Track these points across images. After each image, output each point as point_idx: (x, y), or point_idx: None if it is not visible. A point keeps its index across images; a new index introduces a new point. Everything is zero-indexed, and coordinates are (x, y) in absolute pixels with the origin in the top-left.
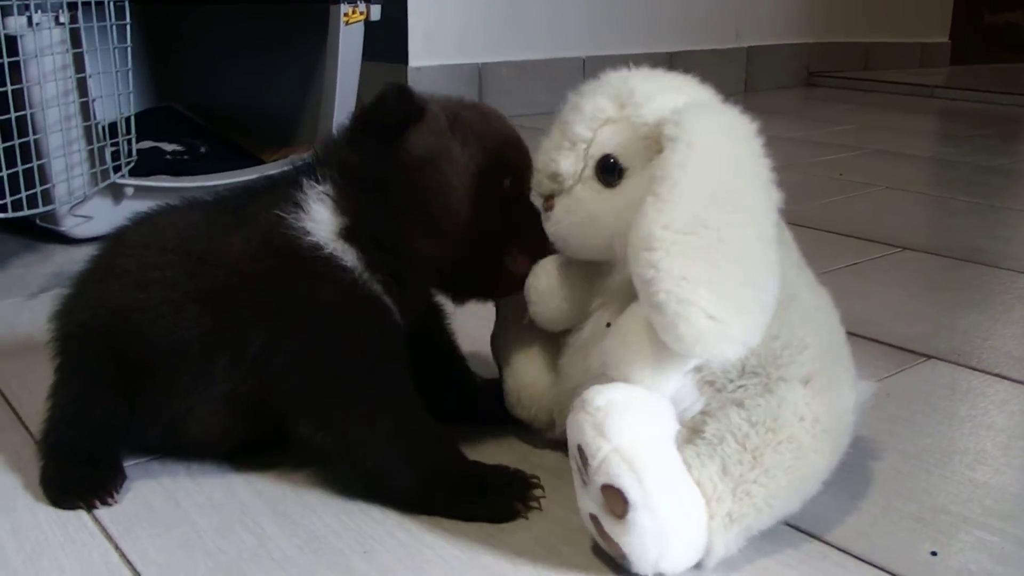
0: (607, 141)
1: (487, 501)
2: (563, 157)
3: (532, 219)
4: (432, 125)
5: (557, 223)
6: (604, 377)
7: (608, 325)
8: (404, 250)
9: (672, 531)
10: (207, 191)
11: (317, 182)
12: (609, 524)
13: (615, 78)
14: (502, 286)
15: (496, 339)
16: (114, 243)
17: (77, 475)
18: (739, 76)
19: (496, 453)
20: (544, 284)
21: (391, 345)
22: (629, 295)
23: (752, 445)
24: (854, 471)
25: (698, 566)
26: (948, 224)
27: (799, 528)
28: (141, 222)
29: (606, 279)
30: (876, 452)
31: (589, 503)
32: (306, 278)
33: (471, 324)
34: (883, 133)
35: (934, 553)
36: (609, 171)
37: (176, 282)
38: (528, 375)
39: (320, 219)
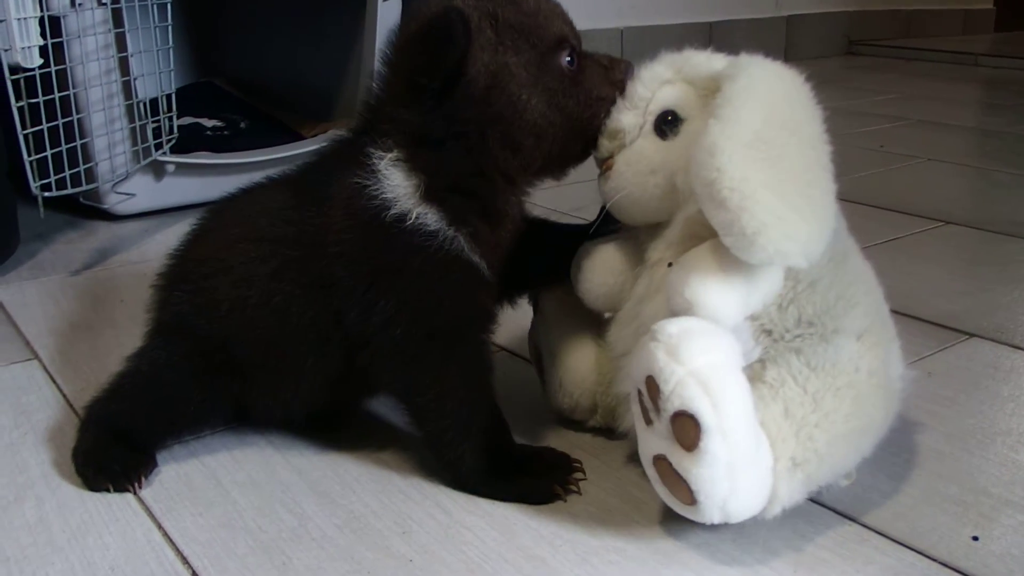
0: (666, 98)
1: (528, 482)
2: (624, 115)
3: (600, 73)
4: (480, 41)
5: (619, 175)
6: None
7: (670, 265)
8: (493, 180)
9: (743, 465)
10: (247, 167)
11: (384, 149)
12: (678, 458)
13: (670, 54)
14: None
15: (536, 329)
16: (204, 237)
17: (110, 454)
18: (779, 45)
19: (536, 431)
20: (591, 262)
21: (476, 308)
22: (690, 238)
23: (813, 388)
24: (894, 452)
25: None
26: (991, 197)
27: (836, 510)
28: (228, 209)
29: (663, 231)
30: (916, 433)
31: (655, 442)
32: (394, 250)
33: (520, 312)
34: (925, 103)
35: (975, 538)
36: (669, 123)
37: (281, 273)
38: (570, 362)
39: (397, 184)
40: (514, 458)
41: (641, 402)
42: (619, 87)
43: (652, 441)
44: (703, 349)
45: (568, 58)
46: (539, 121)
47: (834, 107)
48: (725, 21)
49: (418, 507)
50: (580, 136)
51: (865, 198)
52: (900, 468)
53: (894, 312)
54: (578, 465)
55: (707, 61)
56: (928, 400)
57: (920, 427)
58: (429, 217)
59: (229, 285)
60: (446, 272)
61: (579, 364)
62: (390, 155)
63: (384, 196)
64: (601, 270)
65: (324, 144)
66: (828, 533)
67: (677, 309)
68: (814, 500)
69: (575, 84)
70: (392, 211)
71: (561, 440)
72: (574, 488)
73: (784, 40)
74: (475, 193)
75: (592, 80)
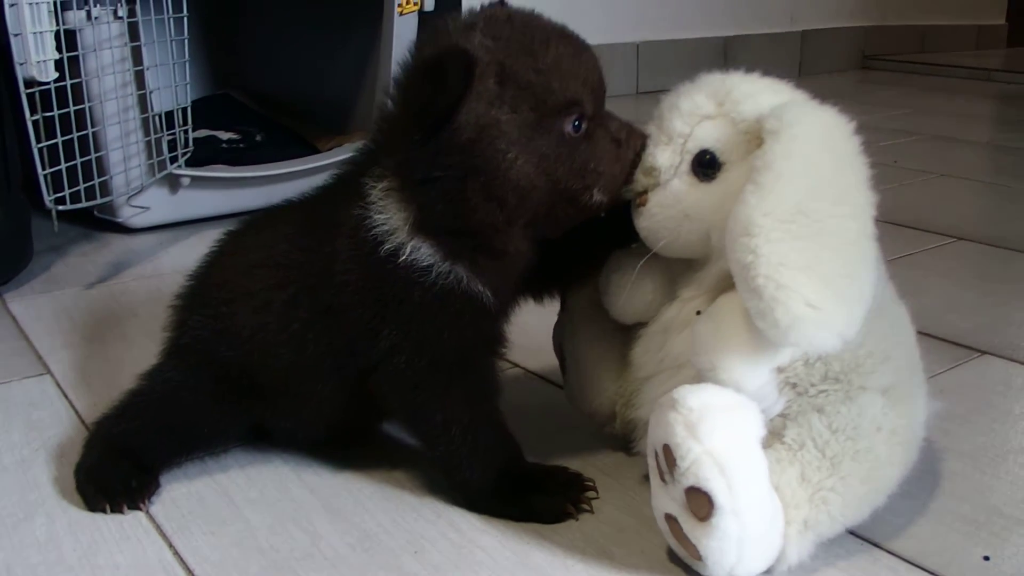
0: (705, 136)
1: (540, 501)
2: (660, 151)
3: (609, 148)
4: (479, 90)
5: (651, 217)
6: (682, 367)
7: (698, 313)
8: (480, 225)
9: (753, 538)
10: (262, 181)
11: (379, 178)
12: (689, 526)
13: (712, 78)
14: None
15: (559, 330)
16: (224, 261)
17: (114, 473)
18: (794, 60)
19: (550, 450)
20: (620, 276)
21: (479, 335)
22: (722, 288)
23: (832, 452)
24: None
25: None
26: (1004, 213)
27: (848, 529)
28: (247, 233)
29: (697, 272)
30: (928, 451)
31: (668, 503)
32: (395, 282)
33: (532, 317)
34: (939, 118)
35: (987, 558)
36: (707, 165)
37: (298, 300)
38: (593, 370)
39: (391, 217)
40: (525, 477)
41: (657, 463)
42: (626, 165)
43: (665, 500)
44: (723, 427)
45: (575, 123)
46: (522, 182)
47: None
48: (741, 36)
49: (431, 526)
50: (570, 204)
51: (878, 214)
52: (911, 487)
53: None
54: (591, 484)
55: (752, 95)
56: (939, 418)
57: (931, 445)
58: (423, 252)
59: (250, 311)
60: (445, 305)
61: (602, 373)
62: (381, 185)
63: (380, 229)
64: (631, 287)
65: (339, 166)
66: (839, 552)
67: (700, 367)
68: None
69: (574, 151)
70: (387, 245)
71: (574, 458)
72: (587, 507)
73: (799, 55)
74: (467, 233)
75: (597, 152)
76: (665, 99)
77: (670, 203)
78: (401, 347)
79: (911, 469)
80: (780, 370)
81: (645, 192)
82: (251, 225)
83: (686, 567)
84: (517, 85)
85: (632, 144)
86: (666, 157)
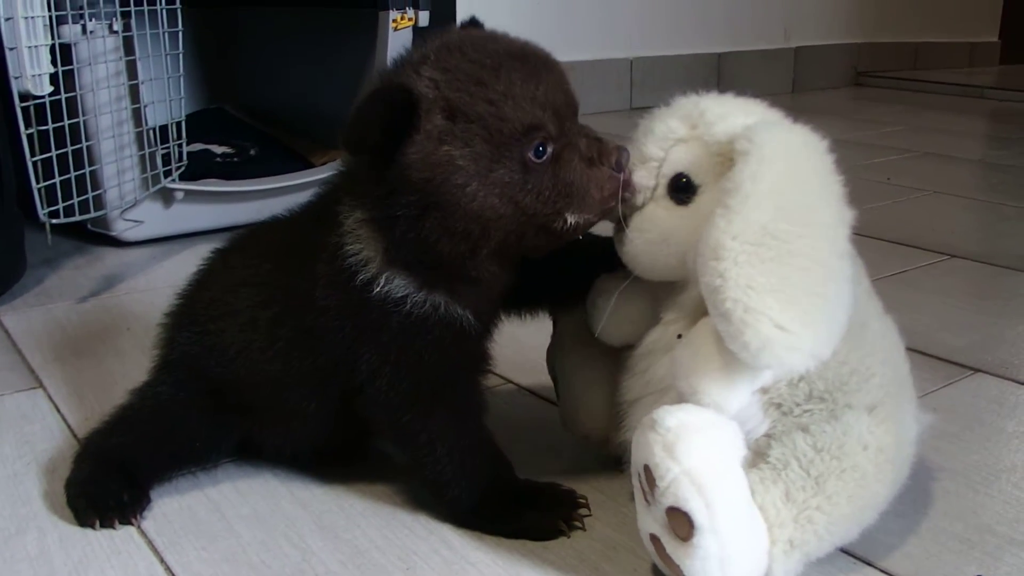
0: (679, 160)
1: (532, 518)
2: (635, 176)
3: (577, 168)
4: (427, 128)
5: (630, 242)
6: (666, 391)
7: (679, 337)
8: (450, 256)
9: (735, 557)
10: (256, 195)
11: (352, 206)
12: (672, 546)
13: (686, 101)
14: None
15: (552, 353)
16: (212, 279)
17: (104, 488)
18: (787, 76)
19: (542, 466)
20: (605, 299)
21: (460, 358)
22: (702, 311)
23: (816, 471)
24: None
25: None
26: (998, 230)
27: (840, 548)
28: (234, 251)
29: (678, 295)
30: (921, 469)
31: (651, 523)
32: (371, 310)
33: (528, 337)
34: (932, 135)
35: None
36: (682, 189)
37: (282, 319)
38: (585, 394)
39: (365, 246)
40: (516, 494)
41: (640, 484)
42: (602, 181)
43: (649, 521)
44: (700, 446)
45: (538, 148)
46: (485, 212)
47: (841, 139)
48: (734, 52)
49: (422, 542)
50: (542, 230)
51: (871, 231)
52: (904, 505)
53: None
54: (583, 501)
55: (723, 118)
56: (932, 436)
57: (924, 464)
58: (397, 283)
59: (237, 329)
60: (423, 331)
61: (593, 398)
62: (355, 216)
63: (354, 258)
64: (614, 310)
65: (320, 186)
66: (831, 570)
67: (681, 391)
68: None
69: (541, 177)
70: (362, 275)
71: (566, 475)
72: (578, 524)
73: (793, 71)
74: (439, 263)
75: (566, 175)
76: (640, 123)
77: (648, 227)
78: (381, 371)
79: (902, 486)
80: (764, 391)
81: (626, 218)
82: (237, 243)
83: None
84: (467, 119)
85: (607, 159)
86: (642, 181)
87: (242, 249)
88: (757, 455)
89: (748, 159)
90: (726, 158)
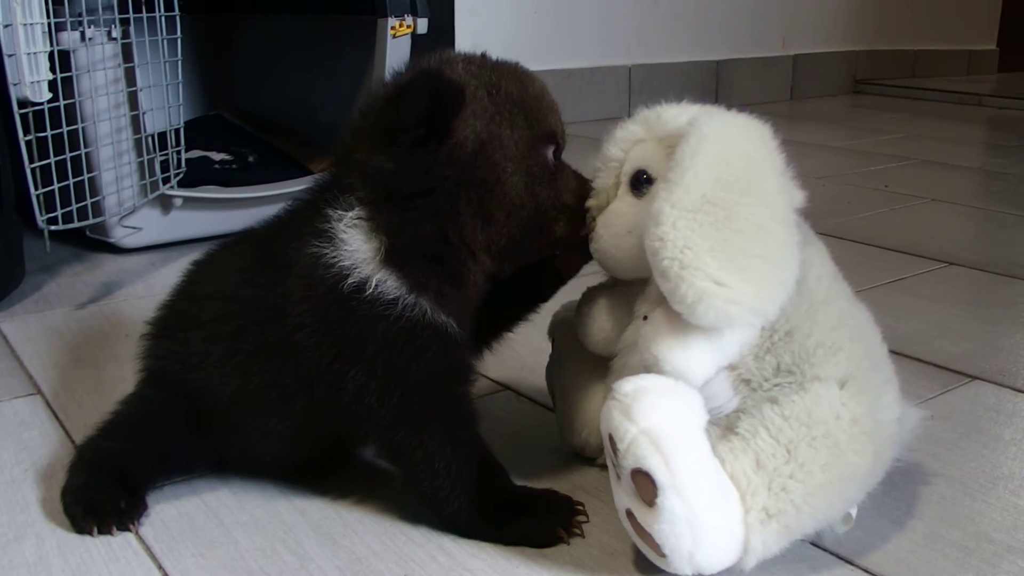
0: (637, 158)
1: (530, 525)
2: (598, 176)
3: (573, 183)
4: (476, 107)
5: (599, 239)
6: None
7: (645, 319)
8: (456, 248)
9: (704, 518)
10: (254, 202)
11: (344, 207)
12: (642, 514)
13: (647, 111)
14: (560, 257)
15: (551, 368)
16: (186, 290)
17: (100, 494)
18: (785, 84)
19: (539, 472)
20: (590, 307)
21: (448, 366)
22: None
23: (786, 439)
24: (895, 496)
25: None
26: (995, 238)
27: (838, 555)
28: (208, 263)
29: (646, 288)
30: (918, 476)
31: (623, 496)
32: (355, 321)
33: (519, 339)
34: (930, 143)
35: None
36: (643, 183)
37: (243, 333)
38: (581, 401)
39: (355, 249)
40: (514, 501)
41: (610, 459)
42: (581, 204)
43: (621, 496)
44: (655, 407)
45: (553, 153)
46: (514, 199)
47: (839, 146)
48: (732, 60)
49: (420, 549)
50: (540, 233)
51: (868, 238)
52: (901, 512)
53: (895, 354)
54: (581, 507)
55: (676, 116)
56: (930, 443)
57: (922, 470)
58: (389, 284)
59: (199, 340)
60: (411, 339)
61: (588, 404)
62: (350, 214)
63: (342, 264)
64: (600, 317)
65: (294, 199)
66: None
67: (647, 364)
68: (815, 544)
69: (552, 179)
70: (350, 280)
71: (564, 481)
72: (577, 531)
73: (791, 79)
74: (439, 258)
75: (565, 185)
76: (606, 134)
77: (613, 222)
78: (369, 387)
79: (885, 478)
80: (733, 368)
81: (594, 220)
82: (210, 255)
83: None
84: (513, 103)
85: (587, 188)
86: (603, 179)
87: (212, 262)
88: (728, 429)
89: (688, 139)
90: (674, 147)
